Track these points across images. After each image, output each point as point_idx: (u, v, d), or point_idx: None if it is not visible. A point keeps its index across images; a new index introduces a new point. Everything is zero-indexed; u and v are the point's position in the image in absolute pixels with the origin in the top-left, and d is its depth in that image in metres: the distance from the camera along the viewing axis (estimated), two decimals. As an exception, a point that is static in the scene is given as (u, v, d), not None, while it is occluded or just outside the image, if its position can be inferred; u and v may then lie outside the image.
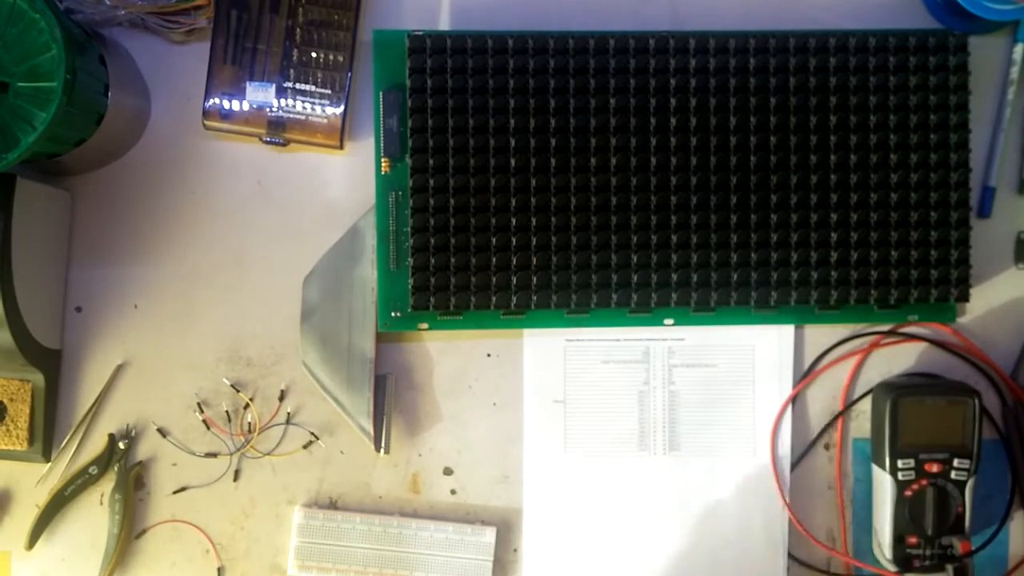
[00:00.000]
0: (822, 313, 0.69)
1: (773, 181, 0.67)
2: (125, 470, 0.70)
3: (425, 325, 0.69)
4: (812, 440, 0.71)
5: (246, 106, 0.68)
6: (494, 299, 0.67)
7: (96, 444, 0.71)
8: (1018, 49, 0.70)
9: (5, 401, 0.68)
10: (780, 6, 0.71)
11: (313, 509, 0.70)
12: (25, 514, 0.70)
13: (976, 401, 0.67)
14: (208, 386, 0.71)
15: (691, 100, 0.67)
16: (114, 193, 0.71)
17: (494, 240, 0.67)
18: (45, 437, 0.69)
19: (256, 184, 0.71)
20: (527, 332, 0.71)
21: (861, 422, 0.71)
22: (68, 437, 0.70)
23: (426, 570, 0.69)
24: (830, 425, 0.71)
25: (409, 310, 0.67)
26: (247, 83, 0.68)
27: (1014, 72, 0.70)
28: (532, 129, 0.67)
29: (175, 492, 0.71)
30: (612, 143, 0.67)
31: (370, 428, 0.68)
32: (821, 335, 0.71)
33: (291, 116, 0.68)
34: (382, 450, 0.69)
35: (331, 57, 0.68)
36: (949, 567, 0.66)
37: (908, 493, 0.67)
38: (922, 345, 0.71)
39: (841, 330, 0.71)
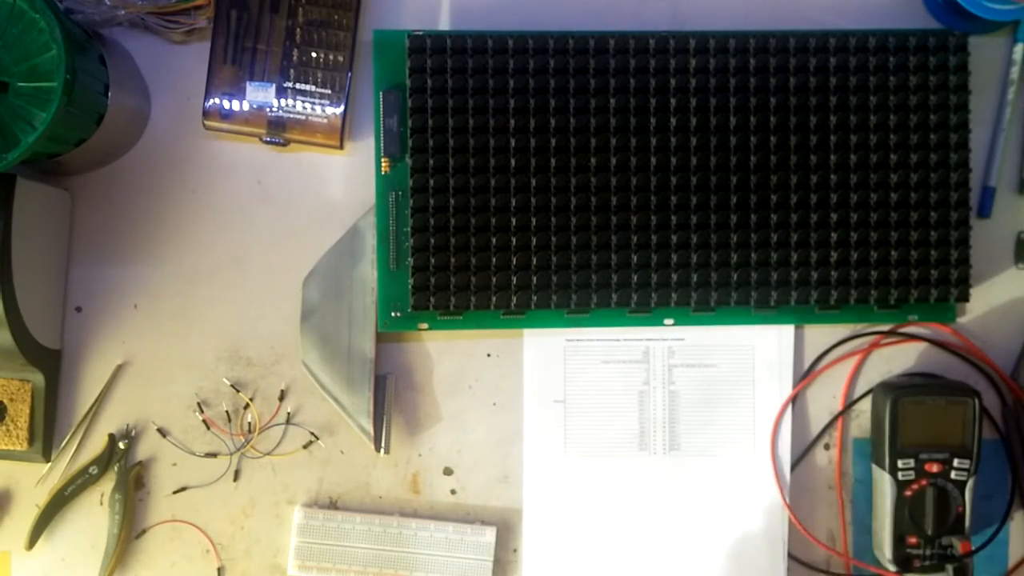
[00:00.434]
0: (822, 313, 0.69)
1: (773, 181, 0.67)
2: (125, 470, 0.70)
3: (425, 325, 0.69)
4: (812, 440, 0.71)
5: (246, 106, 0.68)
6: (494, 299, 0.67)
7: (96, 444, 0.71)
8: (1018, 49, 0.70)
9: (5, 401, 0.68)
10: (780, 6, 0.71)
11: (313, 509, 0.70)
12: (25, 514, 0.70)
13: (976, 401, 0.67)
14: (208, 386, 0.71)
15: (691, 100, 0.67)
16: (114, 193, 0.71)
17: (494, 240, 0.67)
18: (45, 437, 0.69)
19: (256, 184, 0.71)
20: (527, 332, 0.71)
21: (861, 422, 0.71)
22: (68, 437, 0.70)
23: (426, 570, 0.69)
24: (830, 425, 0.71)
25: (409, 310, 0.67)
26: (247, 83, 0.68)
27: (1014, 72, 0.70)
28: (532, 129, 0.67)
29: (175, 492, 0.71)
30: (612, 143, 0.67)
31: (370, 428, 0.68)
32: (821, 335, 0.71)
33: (291, 116, 0.68)
34: (382, 450, 0.69)
35: (331, 57, 0.68)
36: (949, 567, 0.66)
37: (908, 493, 0.67)
38: (922, 345, 0.71)
39: (841, 330, 0.71)
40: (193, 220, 0.71)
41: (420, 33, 0.67)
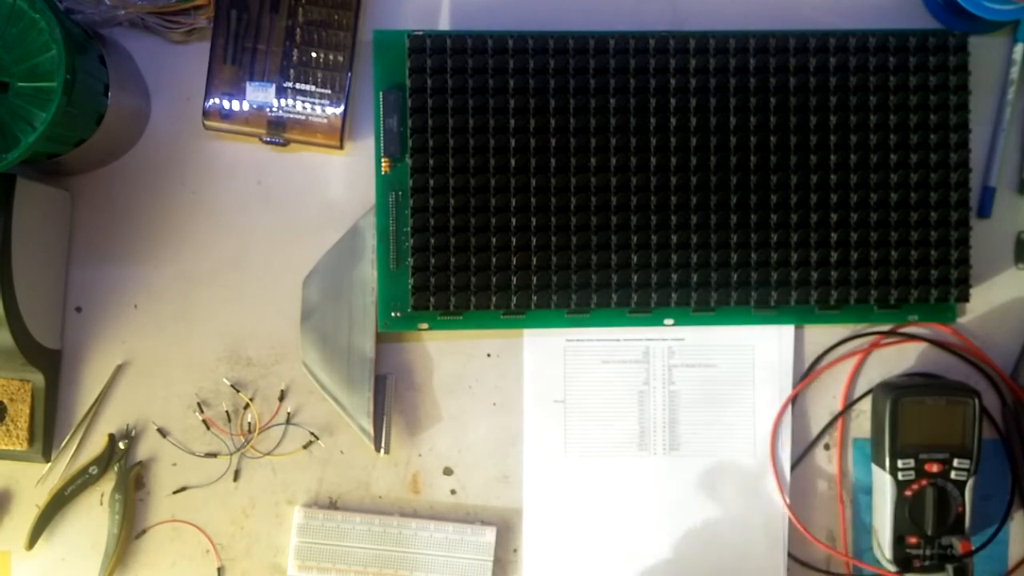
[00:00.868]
0: (822, 313, 0.69)
1: (773, 181, 0.67)
2: (125, 470, 0.70)
3: (425, 325, 0.69)
4: (812, 440, 0.71)
5: (246, 106, 0.68)
6: (494, 299, 0.67)
7: (96, 444, 0.71)
8: (1018, 49, 0.70)
9: (5, 401, 0.68)
10: (780, 6, 0.71)
11: (313, 509, 0.70)
12: (25, 514, 0.70)
13: (976, 401, 0.67)
14: (208, 386, 0.71)
15: (691, 100, 0.67)
16: (114, 193, 0.71)
17: (494, 240, 0.67)
18: (45, 437, 0.69)
19: (256, 184, 0.71)
20: (527, 332, 0.71)
21: (861, 422, 0.71)
22: (68, 437, 0.70)
23: (426, 570, 0.69)
24: (830, 425, 0.71)
25: (409, 310, 0.67)
26: (247, 83, 0.68)
27: (1014, 72, 0.70)
28: (532, 129, 0.67)
29: (175, 492, 0.71)
30: (612, 143, 0.67)
31: (370, 428, 0.68)
32: (821, 335, 0.71)
33: (291, 116, 0.68)
34: (382, 450, 0.69)
35: (331, 57, 0.68)
36: (949, 567, 0.66)
37: (908, 493, 0.67)
38: (922, 345, 0.71)
39: (841, 330, 0.71)
40: (193, 220, 0.71)
41: (420, 33, 0.67)
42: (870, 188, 0.67)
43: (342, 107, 0.68)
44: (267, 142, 0.69)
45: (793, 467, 0.71)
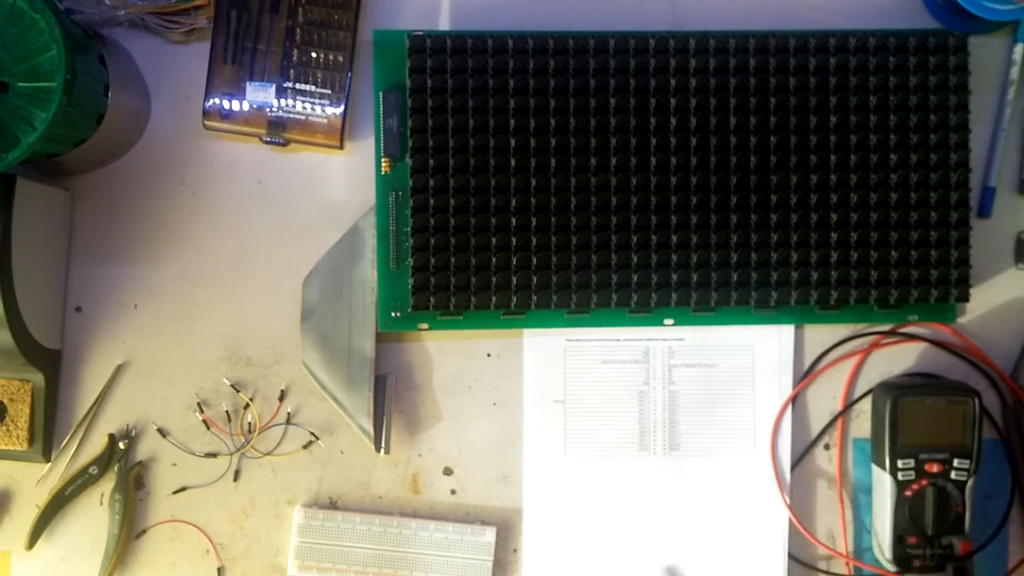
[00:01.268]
0: (822, 313, 0.69)
1: (773, 181, 0.67)
2: (125, 470, 0.70)
3: (425, 325, 0.69)
4: (812, 440, 0.71)
5: (246, 106, 0.68)
6: (494, 299, 0.67)
7: (96, 444, 0.71)
8: (1018, 49, 0.70)
9: (5, 401, 0.68)
10: (780, 6, 0.71)
11: (313, 509, 0.70)
12: (25, 514, 0.70)
13: (976, 401, 0.67)
14: (208, 386, 0.71)
15: (691, 100, 0.67)
16: (114, 193, 0.71)
17: (494, 240, 0.67)
18: (45, 437, 0.69)
19: (256, 184, 0.71)
20: (527, 332, 0.71)
21: (861, 422, 0.71)
22: (68, 437, 0.70)
23: (426, 570, 0.69)
24: (830, 425, 0.71)
25: (409, 310, 0.67)
26: (247, 83, 0.68)
27: (1014, 72, 0.70)
28: (532, 129, 0.67)
29: (175, 492, 0.71)
30: (612, 143, 0.67)
31: (370, 428, 0.68)
32: (821, 335, 0.71)
33: (291, 116, 0.68)
34: (382, 450, 0.69)
35: (331, 57, 0.68)
36: (949, 567, 0.66)
37: (908, 493, 0.67)
38: (922, 345, 0.71)
39: (841, 330, 0.71)
40: (193, 220, 0.71)
41: (420, 33, 0.67)
42: (870, 188, 0.67)
43: (342, 107, 0.68)
44: (267, 142, 0.69)
45: (793, 467, 0.71)
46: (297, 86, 0.68)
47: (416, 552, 0.70)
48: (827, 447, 0.72)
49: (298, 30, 0.68)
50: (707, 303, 0.68)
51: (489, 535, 0.70)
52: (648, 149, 0.67)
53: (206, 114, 0.68)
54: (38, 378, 0.68)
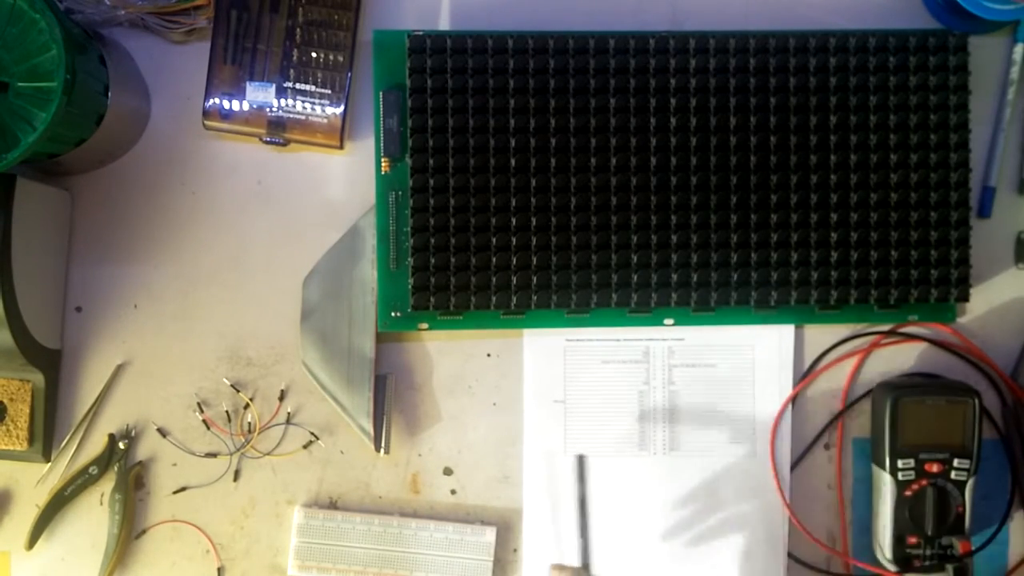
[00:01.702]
0: (822, 313, 0.69)
1: (773, 181, 0.67)
2: (125, 470, 0.70)
3: (425, 325, 0.69)
4: (812, 440, 0.71)
5: (246, 106, 0.68)
6: (494, 299, 0.67)
7: (96, 444, 0.71)
8: (1018, 49, 0.70)
9: (5, 401, 0.68)
10: (780, 6, 0.71)
11: (313, 509, 0.70)
12: (25, 514, 0.70)
13: (976, 401, 0.67)
14: (208, 386, 0.71)
15: (691, 100, 0.67)
16: (114, 193, 0.71)
17: (494, 240, 0.67)
18: (45, 437, 0.69)
19: (256, 184, 0.71)
20: (527, 332, 0.71)
21: (861, 422, 0.71)
22: (68, 437, 0.70)
23: (426, 570, 0.69)
24: (830, 425, 0.71)
25: (409, 310, 0.67)
26: (247, 83, 0.68)
27: (1014, 72, 0.70)
28: (532, 129, 0.67)
29: (175, 492, 0.71)
30: (612, 143, 0.67)
31: (370, 428, 0.68)
32: (821, 335, 0.71)
33: (291, 116, 0.68)
34: (382, 450, 0.69)
35: (331, 57, 0.68)
36: (949, 567, 0.66)
37: (908, 493, 0.67)
38: (922, 345, 0.71)
39: (841, 330, 0.71)
40: (193, 220, 0.71)
41: (420, 33, 0.67)
42: (870, 188, 0.67)
43: (342, 107, 0.68)
44: (267, 142, 0.69)
45: (793, 467, 0.71)
46: (297, 86, 0.68)
47: (416, 552, 0.70)
48: (827, 447, 0.72)
49: (298, 30, 0.68)
50: (707, 303, 0.68)
51: (489, 535, 0.70)
52: (648, 149, 0.67)
53: (206, 114, 0.68)
54: (38, 378, 0.69)
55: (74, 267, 0.71)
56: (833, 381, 0.72)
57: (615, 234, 0.67)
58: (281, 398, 0.71)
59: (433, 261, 0.66)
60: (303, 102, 0.68)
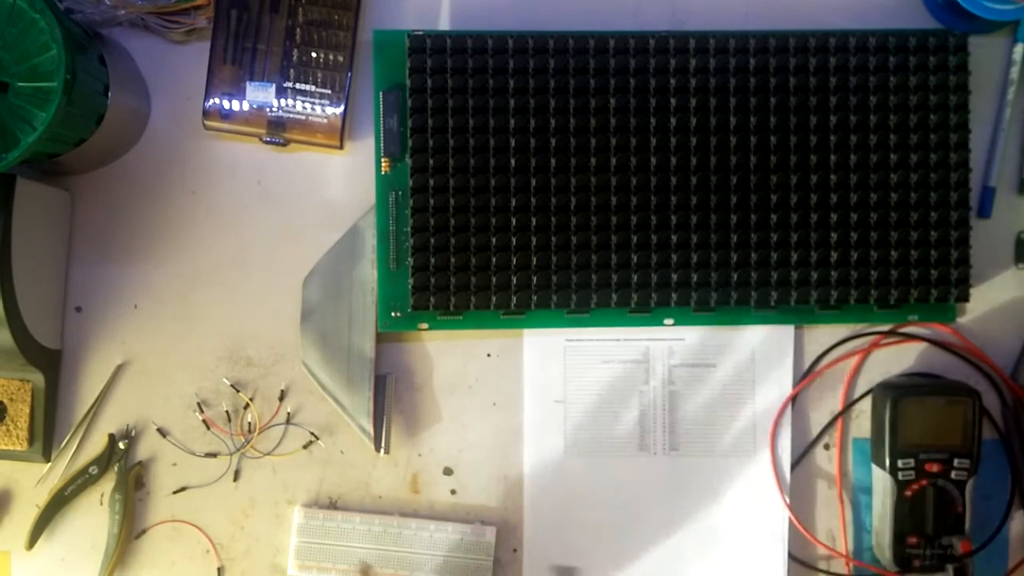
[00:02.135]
0: (822, 313, 0.69)
1: (773, 181, 0.67)
2: (125, 470, 0.70)
3: (425, 325, 0.69)
4: (812, 440, 0.71)
5: (246, 106, 0.68)
6: (494, 299, 0.67)
7: (96, 444, 0.71)
8: (1018, 49, 0.70)
9: (5, 401, 0.68)
10: (780, 6, 0.71)
11: (313, 509, 0.70)
12: (25, 514, 0.70)
13: (976, 401, 0.67)
14: (208, 386, 0.71)
15: (691, 100, 0.67)
16: (114, 193, 0.71)
17: (494, 240, 0.67)
18: (45, 437, 0.69)
19: (256, 184, 0.71)
20: (527, 332, 0.71)
21: (861, 422, 0.71)
22: (68, 437, 0.70)
23: (426, 570, 0.69)
24: (830, 425, 0.71)
25: (409, 310, 0.67)
26: (247, 83, 0.68)
27: (1014, 72, 0.70)
28: (532, 129, 0.67)
29: (175, 492, 0.71)
30: (612, 143, 0.67)
31: (370, 428, 0.68)
32: (821, 335, 0.71)
33: (291, 116, 0.68)
34: (382, 450, 0.69)
35: (331, 57, 0.68)
36: (949, 567, 0.66)
37: (908, 493, 0.67)
38: (922, 345, 0.71)
39: (841, 330, 0.71)
40: (193, 220, 0.71)
41: (420, 33, 0.67)
42: (870, 188, 0.67)
43: (342, 107, 0.68)
44: (267, 142, 0.69)
45: (793, 467, 0.71)
46: (297, 86, 0.68)
47: (416, 552, 0.70)
48: (827, 447, 0.72)
49: (298, 30, 0.68)
50: (707, 303, 0.68)
51: (489, 535, 0.70)
52: (648, 149, 0.67)
53: (206, 114, 0.68)
54: (38, 378, 0.69)
55: (74, 267, 0.71)
56: (833, 381, 0.72)
57: (615, 234, 0.67)
58: (281, 398, 0.71)
59: (433, 261, 0.66)
60: (303, 102, 0.68)
